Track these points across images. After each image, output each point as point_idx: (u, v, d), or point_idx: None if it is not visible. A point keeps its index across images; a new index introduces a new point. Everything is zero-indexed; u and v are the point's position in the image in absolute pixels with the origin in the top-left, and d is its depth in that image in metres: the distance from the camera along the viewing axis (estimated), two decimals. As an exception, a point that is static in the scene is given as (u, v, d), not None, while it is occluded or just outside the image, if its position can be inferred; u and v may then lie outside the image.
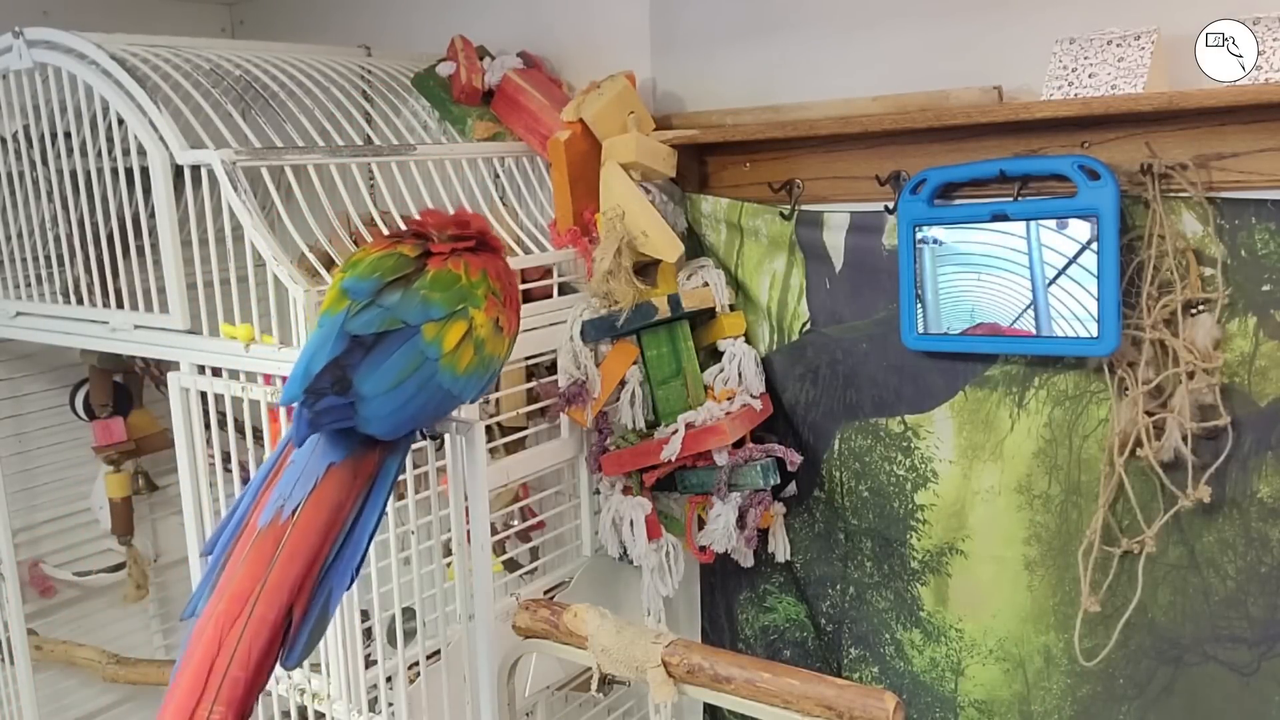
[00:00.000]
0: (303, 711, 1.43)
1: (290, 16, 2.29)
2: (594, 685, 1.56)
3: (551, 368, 1.67)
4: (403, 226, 1.36)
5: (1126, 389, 1.31)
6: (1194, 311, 1.27)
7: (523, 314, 1.58)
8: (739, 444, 1.53)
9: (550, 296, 1.66)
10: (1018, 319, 1.35)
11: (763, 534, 1.63)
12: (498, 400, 1.64)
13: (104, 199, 1.51)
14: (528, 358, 1.63)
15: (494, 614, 1.27)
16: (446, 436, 1.26)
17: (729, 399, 1.56)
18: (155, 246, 1.45)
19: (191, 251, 1.53)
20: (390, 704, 1.35)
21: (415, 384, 1.04)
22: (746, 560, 1.64)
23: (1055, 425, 1.40)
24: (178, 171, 1.39)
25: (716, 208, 1.64)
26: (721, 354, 1.62)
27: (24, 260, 1.69)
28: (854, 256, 1.53)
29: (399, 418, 1.03)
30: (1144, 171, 1.26)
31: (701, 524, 1.54)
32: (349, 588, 1.02)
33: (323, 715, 1.39)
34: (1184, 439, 1.26)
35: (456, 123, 1.74)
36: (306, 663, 1.40)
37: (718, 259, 1.66)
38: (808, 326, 1.60)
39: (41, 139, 1.58)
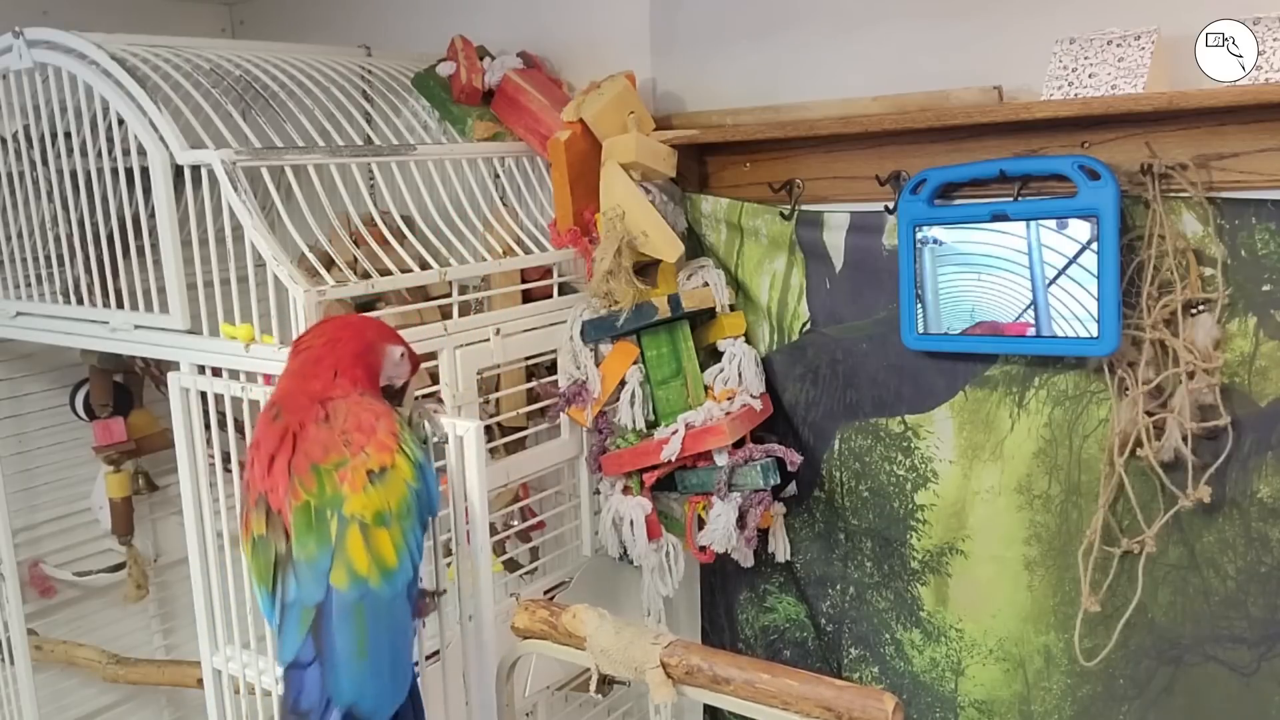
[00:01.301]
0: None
1: (290, 16, 2.29)
2: (593, 686, 1.56)
3: (551, 368, 1.67)
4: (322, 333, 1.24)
5: (1126, 389, 1.31)
6: (1194, 311, 1.27)
7: (523, 314, 1.60)
8: (739, 444, 1.53)
9: (550, 296, 1.66)
10: (1018, 319, 1.35)
11: (763, 534, 1.63)
12: (498, 400, 1.64)
13: (104, 199, 1.51)
14: (528, 358, 1.63)
15: (493, 614, 1.27)
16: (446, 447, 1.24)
17: (729, 399, 1.55)
18: (155, 246, 1.45)
19: (191, 251, 1.53)
20: (390, 704, 1.35)
21: (377, 635, 0.98)
22: (746, 560, 1.63)
23: (1055, 425, 1.40)
24: (178, 171, 1.39)
25: (716, 208, 1.64)
26: (721, 354, 1.61)
27: (24, 260, 1.69)
28: (854, 256, 1.53)
29: (391, 685, 0.99)
30: (1144, 171, 1.26)
31: (701, 524, 1.54)
32: None
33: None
34: (1184, 439, 1.26)
35: (456, 123, 1.74)
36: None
37: (718, 259, 1.66)
38: (808, 326, 1.60)
39: (41, 139, 1.58)
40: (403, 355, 1.21)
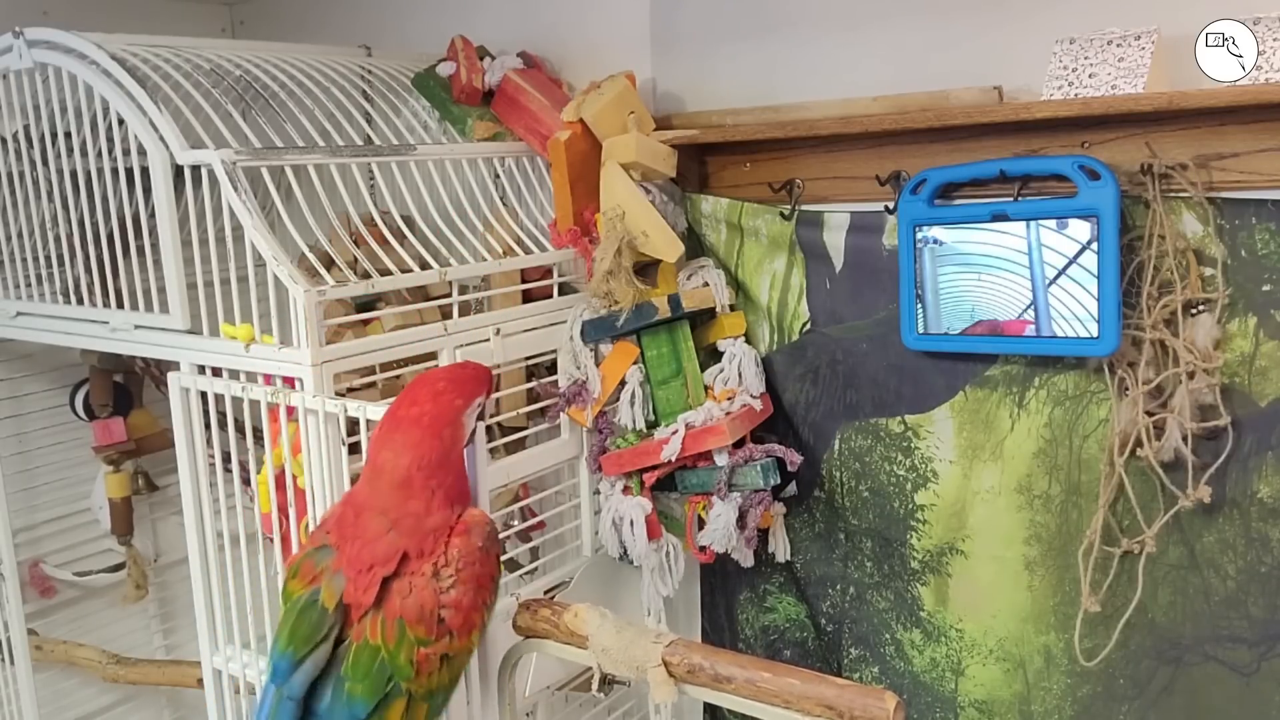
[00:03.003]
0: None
1: (290, 16, 2.29)
2: (594, 685, 1.56)
3: (551, 368, 1.67)
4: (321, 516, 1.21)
5: (1127, 389, 1.31)
6: (1194, 311, 1.27)
7: (523, 314, 1.60)
8: (739, 444, 1.53)
9: (550, 296, 1.66)
10: (1018, 319, 1.35)
11: (763, 534, 1.63)
12: (498, 400, 1.64)
13: (104, 199, 1.51)
14: (528, 358, 1.63)
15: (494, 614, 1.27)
16: None
17: (729, 399, 1.55)
18: (155, 246, 1.45)
19: (191, 251, 1.53)
20: (390, 704, 1.35)
21: None
22: (746, 560, 1.63)
23: (1055, 425, 1.40)
24: (178, 171, 1.39)
25: (716, 208, 1.64)
26: (721, 354, 1.61)
27: (24, 260, 1.69)
28: (854, 256, 1.53)
29: None
30: (1144, 171, 1.26)
31: (701, 524, 1.54)
32: None
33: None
34: (1184, 439, 1.26)
35: (456, 123, 1.74)
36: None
37: (718, 259, 1.66)
38: (808, 326, 1.60)
39: (42, 139, 1.58)
40: (480, 403, 1.15)
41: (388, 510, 1.06)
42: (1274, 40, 1.17)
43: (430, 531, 1.06)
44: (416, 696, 1.01)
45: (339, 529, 1.06)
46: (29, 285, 1.71)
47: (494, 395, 1.63)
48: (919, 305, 1.43)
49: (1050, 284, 1.32)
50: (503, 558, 1.71)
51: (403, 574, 1.03)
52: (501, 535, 1.68)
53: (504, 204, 1.69)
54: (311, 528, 1.32)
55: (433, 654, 1.02)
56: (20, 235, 1.67)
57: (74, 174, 1.55)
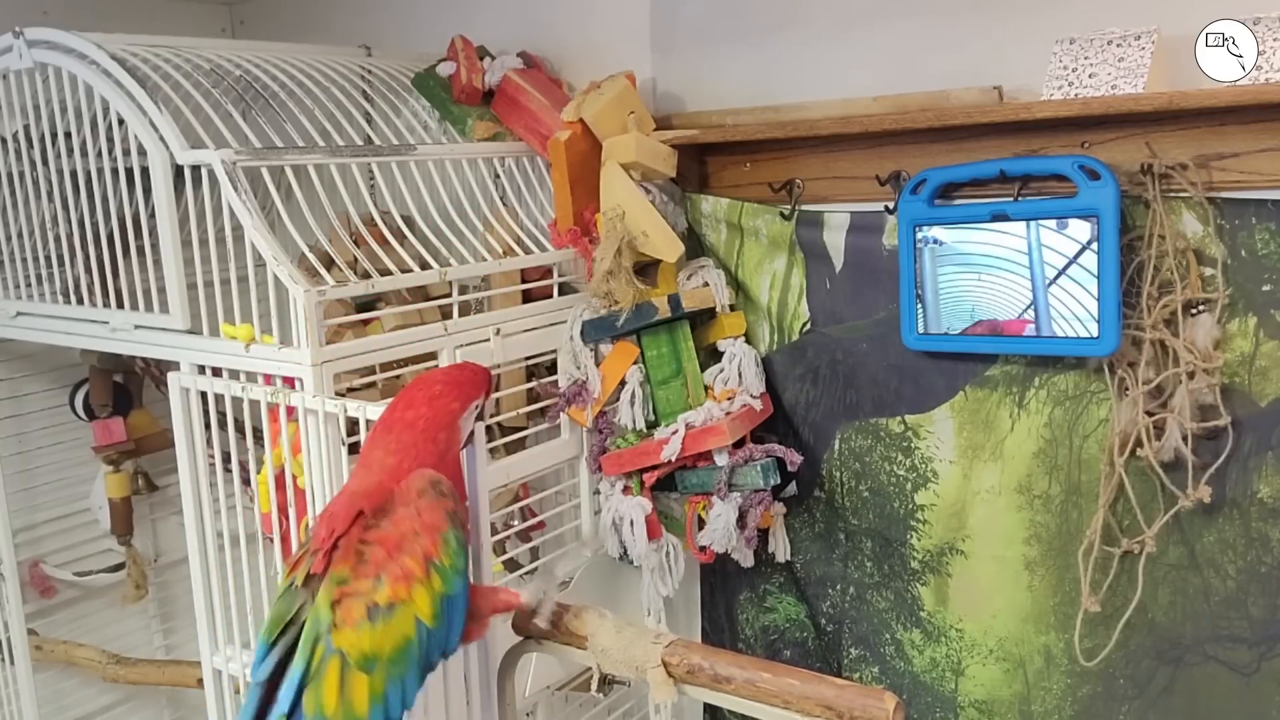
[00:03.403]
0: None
1: (290, 16, 2.29)
2: (594, 685, 1.56)
3: (551, 368, 1.67)
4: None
5: (1127, 389, 1.31)
6: (1194, 311, 1.27)
7: (523, 314, 1.60)
8: (739, 444, 1.53)
9: (550, 296, 1.66)
10: (1018, 319, 1.35)
11: (763, 534, 1.63)
12: (498, 400, 1.64)
13: (104, 199, 1.51)
14: (528, 358, 1.63)
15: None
16: None
17: (729, 399, 1.55)
18: (155, 246, 1.45)
19: (192, 251, 1.53)
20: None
21: None
22: (746, 560, 1.63)
23: (1055, 425, 1.40)
24: (178, 171, 1.39)
25: (716, 208, 1.64)
26: (721, 354, 1.61)
27: (24, 260, 1.69)
28: (854, 256, 1.53)
29: None
30: (1144, 171, 1.26)
31: (701, 524, 1.54)
32: None
33: (323, 715, 1.39)
34: (1184, 439, 1.26)
35: (456, 123, 1.74)
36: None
37: (718, 259, 1.66)
38: (808, 326, 1.60)
39: (42, 139, 1.58)
40: (477, 405, 1.12)
41: (356, 478, 1.04)
42: (1274, 40, 1.17)
43: (379, 486, 1.02)
44: (351, 662, 0.91)
45: (319, 527, 1.03)
46: (29, 285, 1.71)
47: (494, 395, 1.63)
48: (919, 305, 1.43)
49: (1050, 284, 1.32)
50: (503, 558, 1.72)
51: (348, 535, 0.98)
52: (501, 535, 1.69)
53: (504, 204, 1.69)
54: (312, 528, 1.32)
55: (354, 595, 0.92)
56: (20, 235, 1.67)
57: (74, 174, 1.55)
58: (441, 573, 0.97)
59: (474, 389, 1.13)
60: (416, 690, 0.96)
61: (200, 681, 1.57)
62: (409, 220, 1.54)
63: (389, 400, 1.16)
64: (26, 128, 1.60)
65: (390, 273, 1.44)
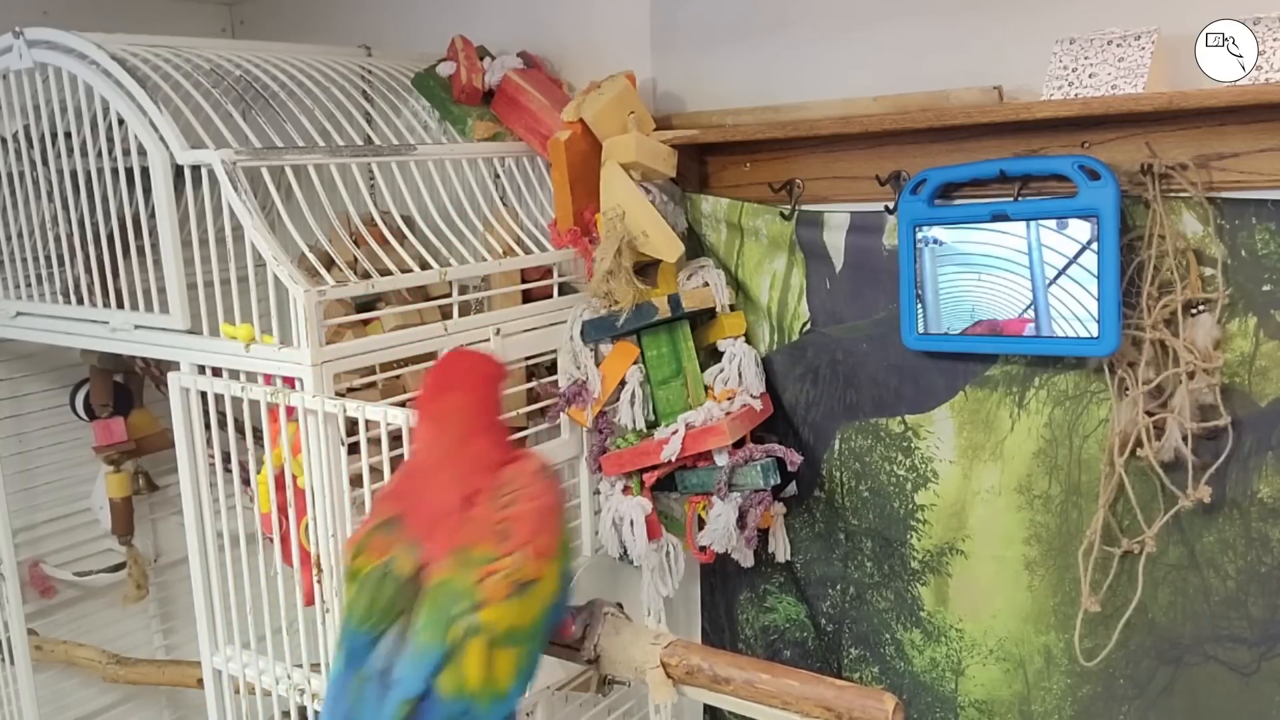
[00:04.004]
0: (303, 711, 1.43)
1: (290, 16, 2.29)
2: (594, 685, 1.56)
3: (551, 368, 1.67)
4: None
5: (1127, 389, 1.31)
6: (1194, 311, 1.27)
7: (523, 314, 1.60)
8: (739, 444, 1.53)
9: (550, 296, 1.66)
10: (1018, 319, 1.35)
11: (763, 534, 1.63)
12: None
13: (104, 199, 1.51)
14: (528, 358, 1.63)
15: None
16: None
17: (729, 399, 1.55)
18: (155, 246, 1.45)
19: (192, 251, 1.53)
20: (390, 704, 1.35)
21: None
22: (746, 560, 1.63)
23: (1055, 425, 1.40)
24: (178, 171, 1.39)
25: (716, 208, 1.64)
26: (721, 354, 1.61)
27: (24, 260, 1.69)
28: (854, 256, 1.53)
29: None
30: (1144, 171, 1.26)
31: (701, 524, 1.54)
32: None
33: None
34: (1184, 439, 1.26)
35: (456, 123, 1.74)
36: (306, 662, 1.41)
37: (718, 259, 1.66)
38: (808, 326, 1.60)
39: (42, 139, 1.58)
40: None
41: (449, 463, 1.03)
42: (1274, 40, 1.17)
43: (486, 468, 1.01)
44: (496, 637, 0.91)
45: (403, 499, 1.02)
46: (29, 285, 1.71)
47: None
48: (919, 305, 1.43)
49: (1050, 284, 1.32)
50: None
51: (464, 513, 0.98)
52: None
53: (504, 204, 1.69)
54: (312, 528, 1.32)
55: (500, 571, 0.93)
56: (20, 235, 1.67)
57: (74, 174, 1.55)
58: (565, 551, 1.00)
59: (500, 371, 1.15)
60: (537, 666, 0.97)
61: (200, 681, 1.57)
62: (409, 220, 1.54)
63: (390, 400, 1.16)
64: (26, 128, 1.60)
65: (390, 273, 1.44)
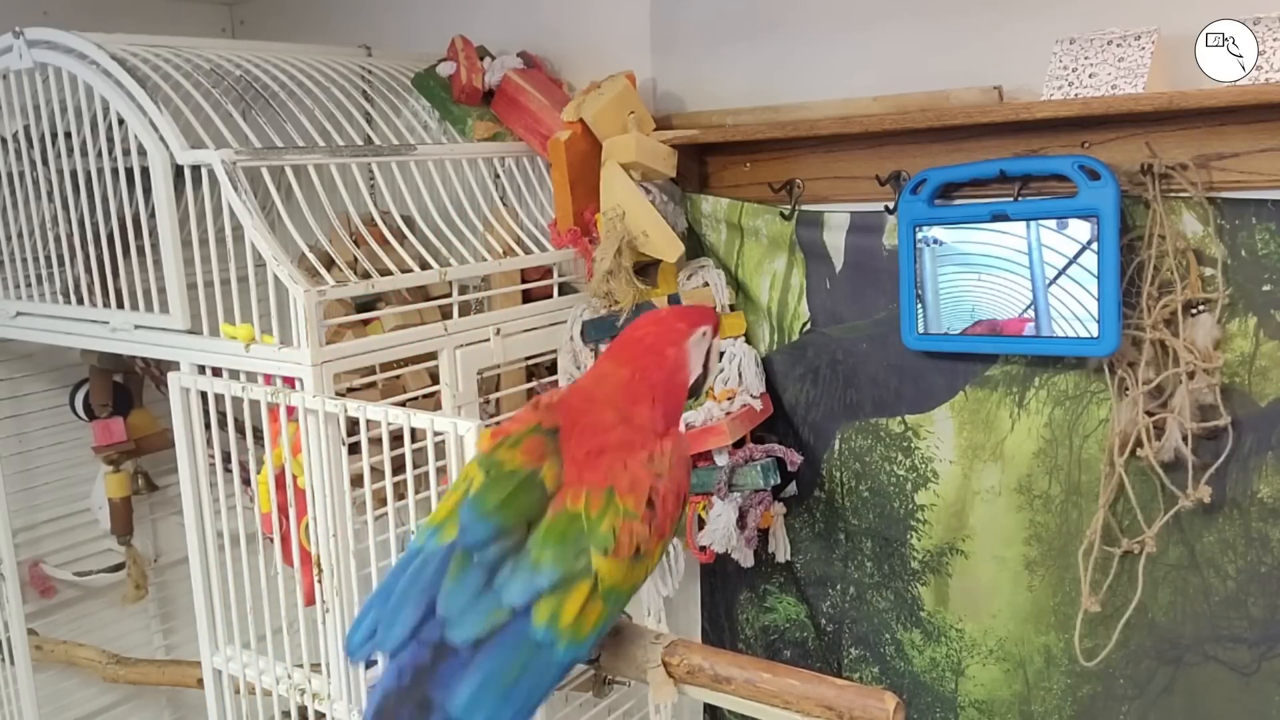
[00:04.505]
0: (303, 711, 1.43)
1: (290, 16, 2.29)
2: (594, 685, 1.56)
3: (551, 368, 1.67)
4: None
5: (1127, 389, 1.31)
6: (1194, 311, 1.27)
7: (523, 314, 1.60)
8: (739, 444, 1.53)
9: (550, 296, 1.66)
10: (1018, 319, 1.35)
11: (763, 534, 1.63)
12: (498, 400, 1.64)
13: (104, 199, 1.51)
14: (528, 358, 1.63)
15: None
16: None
17: (729, 399, 1.55)
18: (155, 246, 1.45)
19: (192, 251, 1.53)
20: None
21: (526, 685, 0.90)
22: (747, 560, 1.63)
23: (1055, 425, 1.40)
24: (178, 171, 1.40)
25: (717, 208, 1.64)
26: (722, 354, 1.61)
27: (24, 260, 1.69)
28: (854, 256, 1.53)
29: None
30: (1144, 171, 1.26)
31: (701, 524, 1.54)
32: None
33: (323, 715, 1.39)
34: (1184, 439, 1.26)
35: (456, 123, 1.74)
36: (306, 663, 1.41)
37: (718, 259, 1.66)
38: (808, 326, 1.60)
39: (42, 139, 1.58)
40: (703, 335, 1.12)
41: (618, 406, 1.04)
42: (1274, 40, 1.17)
43: (652, 433, 1.03)
44: (601, 586, 0.92)
45: (567, 414, 1.03)
46: (29, 285, 1.71)
47: (494, 395, 1.63)
48: (919, 305, 1.43)
49: (1050, 284, 1.32)
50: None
51: (622, 457, 0.99)
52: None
53: (504, 204, 1.69)
54: (312, 528, 1.32)
55: (633, 532, 0.95)
56: (20, 235, 1.67)
57: (74, 174, 1.55)
58: (671, 538, 1.03)
59: (700, 316, 1.14)
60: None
61: (200, 681, 1.57)
62: (409, 220, 1.54)
63: (390, 400, 1.16)
64: (26, 128, 1.60)
65: (390, 273, 1.44)
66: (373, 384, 1.50)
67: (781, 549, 1.66)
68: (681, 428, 1.50)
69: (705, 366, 1.14)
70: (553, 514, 0.95)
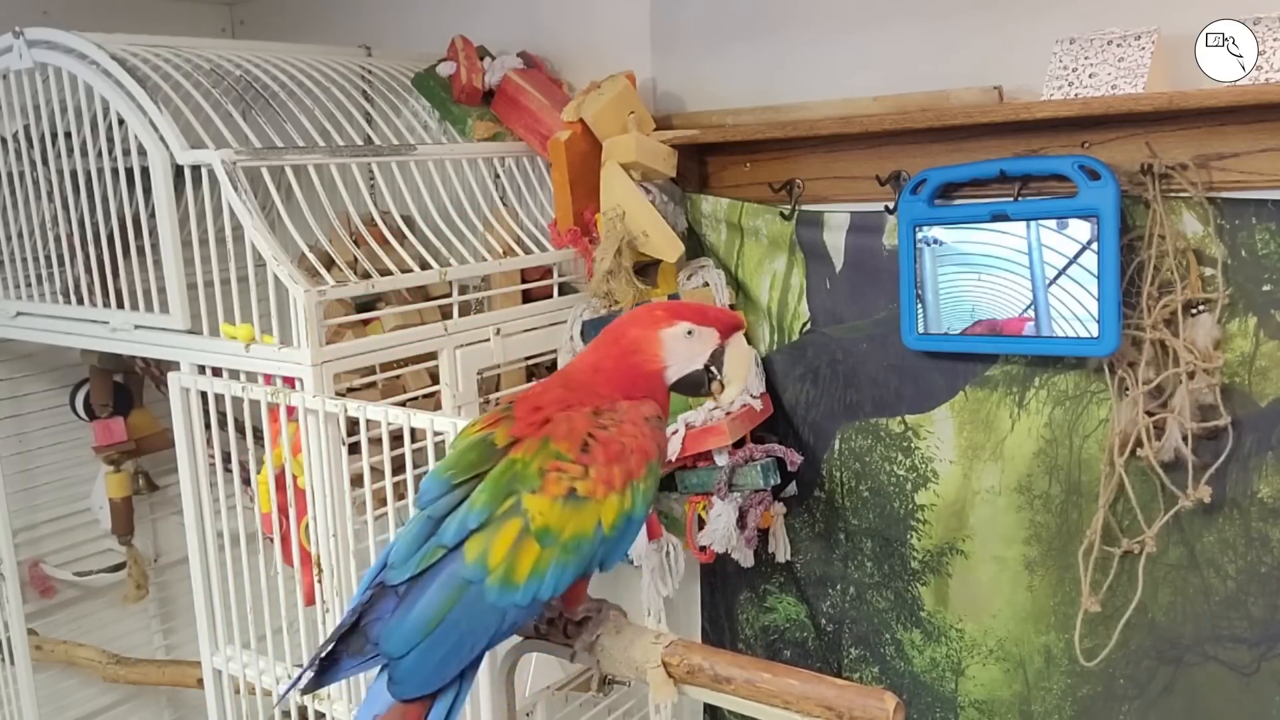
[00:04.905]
0: (303, 711, 1.43)
1: (290, 16, 2.29)
2: (594, 685, 1.56)
3: (552, 368, 1.67)
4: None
5: (1127, 389, 1.31)
6: (1194, 311, 1.27)
7: (523, 314, 1.60)
8: (739, 444, 1.53)
9: (550, 296, 1.66)
10: (1018, 319, 1.35)
11: (763, 534, 1.63)
12: (497, 400, 1.64)
13: (104, 199, 1.51)
14: (528, 358, 1.63)
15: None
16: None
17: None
18: (155, 246, 1.45)
19: (192, 251, 1.53)
20: (390, 704, 1.35)
21: (458, 625, 0.92)
22: (747, 560, 1.63)
23: (1055, 425, 1.40)
24: (178, 171, 1.40)
25: (717, 208, 1.64)
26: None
27: (24, 260, 1.69)
28: (854, 256, 1.53)
29: (437, 670, 0.92)
30: (1144, 171, 1.26)
31: (702, 524, 1.54)
32: None
33: (323, 715, 1.39)
34: (1184, 439, 1.26)
35: (456, 123, 1.74)
36: (306, 662, 1.41)
37: (718, 259, 1.66)
38: (808, 326, 1.60)
39: (42, 139, 1.58)
40: (690, 332, 1.10)
41: (568, 377, 1.09)
42: (1274, 40, 1.17)
43: (602, 395, 1.06)
44: (532, 527, 0.94)
45: (525, 394, 1.07)
46: (29, 285, 1.71)
47: (494, 395, 1.63)
48: (919, 305, 1.43)
49: (1050, 284, 1.32)
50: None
51: (562, 415, 1.02)
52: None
53: (504, 204, 1.69)
54: (312, 528, 1.32)
55: (564, 473, 0.96)
56: (20, 235, 1.67)
57: (74, 174, 1.55)
58: (634, 493, 1.01)
59: (686, 311, 1.13)
60: (566, 585, 0.98)
61: (200, 681, 1.57)
62: (409, 220, 1.54)
63: (390, 400, 1.16)
64: (26, 128, 1.60)
65: (390, 273, 1.44)
66: (373, 384, 1.50)
67: (781, 549, 1.66)
68: (681, 428, 1.51)
69: (717, 365, 1.11)
70: (495, 465, 0.98)
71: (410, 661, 0.91)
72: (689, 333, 1.10)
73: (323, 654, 0.92)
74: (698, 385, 1.12)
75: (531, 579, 0.95)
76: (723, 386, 1.12)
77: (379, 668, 0.93)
